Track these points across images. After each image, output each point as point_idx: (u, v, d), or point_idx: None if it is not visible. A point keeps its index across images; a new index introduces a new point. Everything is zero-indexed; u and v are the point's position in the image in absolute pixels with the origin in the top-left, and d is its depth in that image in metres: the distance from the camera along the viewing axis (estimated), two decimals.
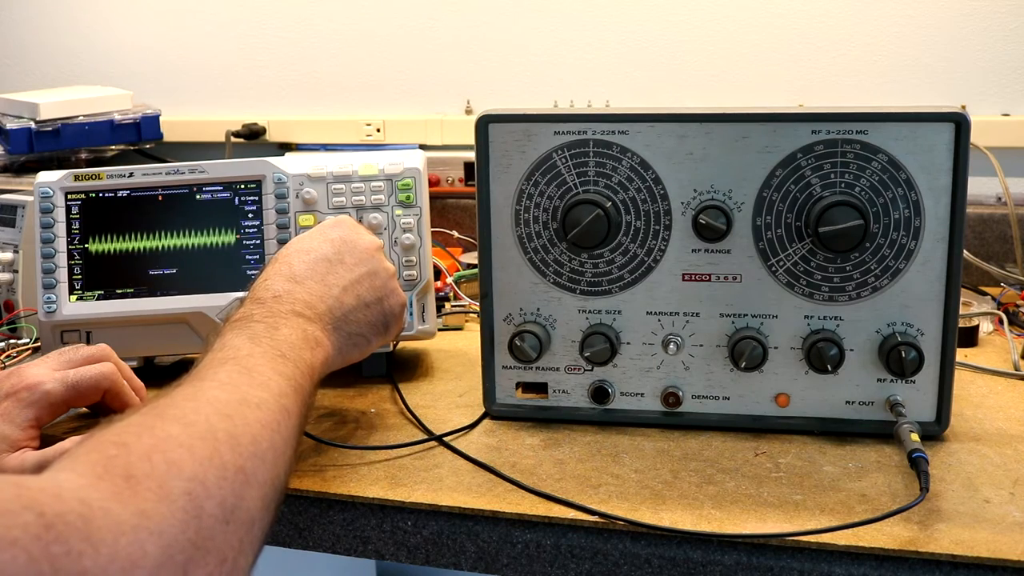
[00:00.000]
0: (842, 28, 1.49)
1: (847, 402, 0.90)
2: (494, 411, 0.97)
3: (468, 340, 1.19)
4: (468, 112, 1.66)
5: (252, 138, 1.72)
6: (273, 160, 1.07)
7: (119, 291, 1.06)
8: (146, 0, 1.79)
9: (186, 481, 0.55)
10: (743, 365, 0.89)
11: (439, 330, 1.18)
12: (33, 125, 1.53)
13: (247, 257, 1.06)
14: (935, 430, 0.89)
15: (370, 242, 0.90)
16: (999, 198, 1.42)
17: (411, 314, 1.05)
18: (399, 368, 1.11)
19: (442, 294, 1.27)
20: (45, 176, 1.08)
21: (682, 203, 0.90)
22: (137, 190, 1.07)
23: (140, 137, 1.63)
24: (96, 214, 1.07)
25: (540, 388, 0.96)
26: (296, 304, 0.81)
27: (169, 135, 1.68)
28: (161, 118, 1.65)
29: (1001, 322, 1.18)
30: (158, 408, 0.62)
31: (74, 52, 1.85)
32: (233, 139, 1.71)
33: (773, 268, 0.90)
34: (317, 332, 0.81)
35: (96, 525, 0.48)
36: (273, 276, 0.84)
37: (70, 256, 1.07)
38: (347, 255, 0.87)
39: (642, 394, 0.94)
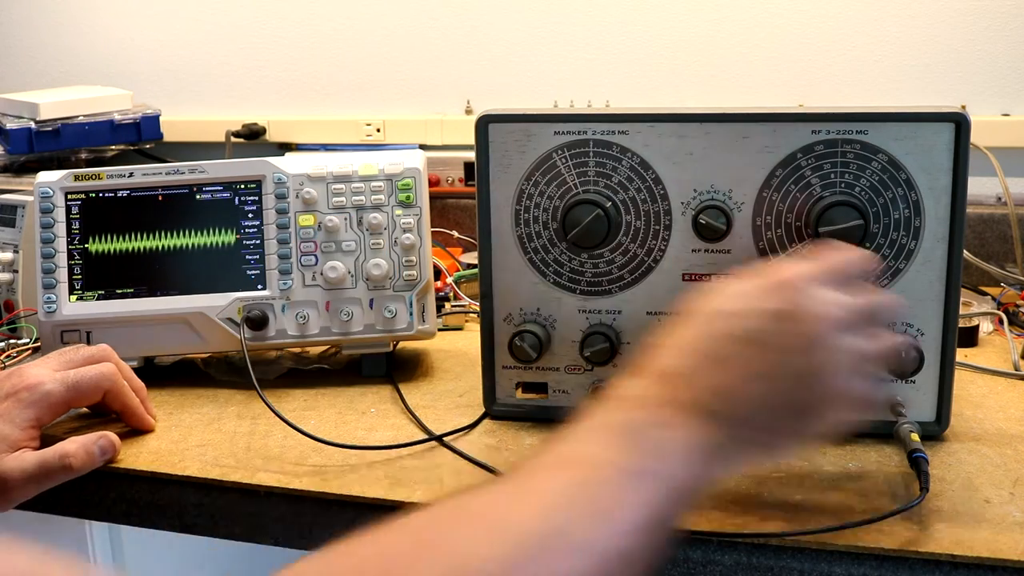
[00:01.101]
0: (842, 28, 1.49)
1: None
2: (494, 411, 0.97)
3: (468, 340, 1.19)
4: (468, 112, 1.66)
5: (252, 138, 1.72)
6: (273, 160, 1.07)
7: (119, 291, 1.06)
8: (146, 0, 1.79)
9: None
10: None
11: (439, 330, 1.18)
12: (33, 125, 1.53)
13: (247, 257, 1.06)
14: (935, 430, 0.89)
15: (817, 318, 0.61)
16: (999, 198, 1.42)
17: (411, 314, 1.05)
18: (399, 368, 1.11)
19: (442, 294, 1.27)
20: (45, 176, 1.08)
21: (682, 203, 0.90)
22: (137, 190, 1.07)
23: (140, 137, 1.63)
24: (96, 214, 1.07)
25: (540, 388, 0.96)
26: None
27: (169, 135, 1.68)
28: (161, 118, 1.65)
29: (1001, 322, 1.18)
30: (455, 512, 0.50)
31: (74, 52, 1.85)
32: (233, 139, 1.71)
33: None
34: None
35: None
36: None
37: (70, 256, 1.07)
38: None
39: None
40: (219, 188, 1.07)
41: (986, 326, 1.19)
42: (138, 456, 0.90)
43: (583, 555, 0.48)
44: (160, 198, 1.07)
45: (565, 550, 0.48)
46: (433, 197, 1.36)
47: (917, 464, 0.78)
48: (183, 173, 1.06)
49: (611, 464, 0.52)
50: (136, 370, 0.98)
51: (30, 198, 1.22)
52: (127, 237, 1.07)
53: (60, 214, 1.07)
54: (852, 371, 0.61)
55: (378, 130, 1.67)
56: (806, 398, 0.60)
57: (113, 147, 1.62)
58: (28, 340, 1.19)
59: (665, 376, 0.59)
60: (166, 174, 1.06)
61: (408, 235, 1.05)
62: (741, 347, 0.60)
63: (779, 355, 0.60)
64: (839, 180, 0.87)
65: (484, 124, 0.92)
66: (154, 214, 1.07)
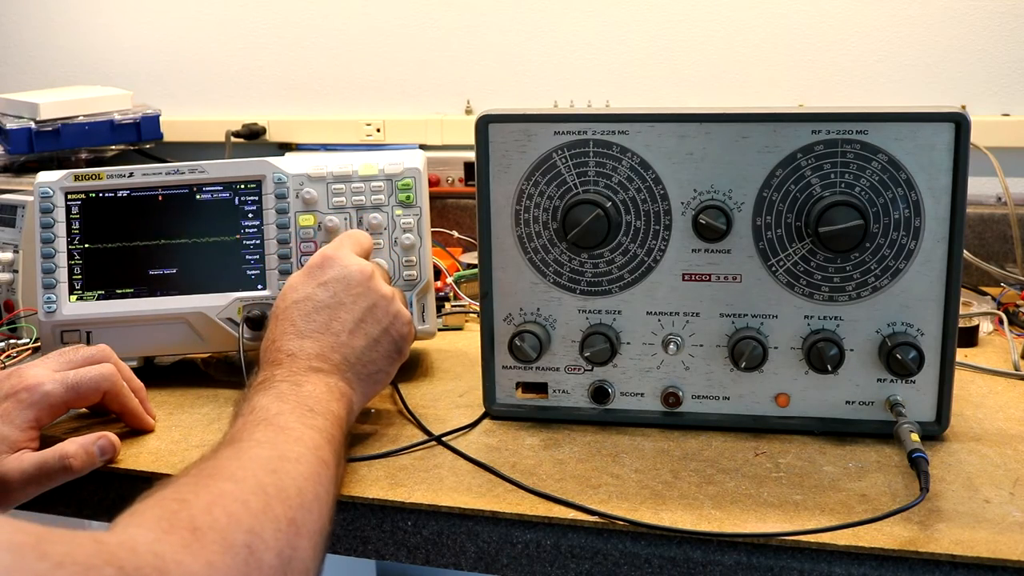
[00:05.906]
0: (842, 28, 1.49)
1: (847, 402, 0.90)
2: (494, 411, 0.97)
3: (468, 340, 1.19)
4: (468, 112, 1.66)
5: (252, 138, 1.72)
6: (273, 160, 1.07)
7: (119, 291, 1.06)
8: (146, 0, 1.79)
9: (245, 533, 0.57)
10: (743, 365, 0.89)
11: (439, 330, 1.18)
12: (33, 125, 1.53)
13: (247, 257, 1.06)
14: (935, 430, 0.89)
15: (360, 271, 0.90)
16: (999, 198, 1.42)
17: (411, 314, 1.05)
18: (399, 368, 1.11)
19: (442, 294, 1.27)
20: (45, 176, 1.08)
21: (682, 203, 0.90)
22: (137, 190, 1.07)
23: (140, 137, 1.63)
24: (96, 214, 1.07)
25: (540, 388, 0.96)
26: (312, 360, 0.84)
27: (169, 135, 1.68)
28: (161, 118, 1.65)
29: (1001, 322, 1.18)
30: (206, 469, 0.64)
31: (74, 52, 1.85)
32: (233, 139, 1.71)
33: (773, 268, 0.90)
34: (338, 382, 0.84)
35: None
36: (280, 337, 0.86)
37: (70, 256, 1.07)
38: (343, 294, 0.88)
39: (642, 394, 0.94)
40: (219, 188, 1.07)
41: (986, 326, 1.19)
42: (138, 456, 0.90)
43: (303, 462, 0.69)
44: (160, 198, 1.07)
45: (291, 461, 0.69)
46: (433, 197, 1.36)
47: (917, 464, 0.78)
48: (183, 173, 1.06)
49: (285, 412, 0.76)
50: (136, 370, 0.98)
51: (30, 198, 1.22)
52: (127, 237, 1.07)
53: (60, 214, 1.07)
54: (396, 300, 0.91)
55: (378, 130, 1.67)
56: (382, 327, 0.89)
57: (113, 147, 1.62)
58: (28, 340, 1.19)
59: (292, 355, 0.84)
60: (166, 174, 1.06)
61: (408, 235, 1.05)
62: (327, 313, 0.86)
63: (351, 305, 0.87)
64: (839, 180, 0.87)
65: (484, 124, 0.92)
66: (154, 214, 1.07)
